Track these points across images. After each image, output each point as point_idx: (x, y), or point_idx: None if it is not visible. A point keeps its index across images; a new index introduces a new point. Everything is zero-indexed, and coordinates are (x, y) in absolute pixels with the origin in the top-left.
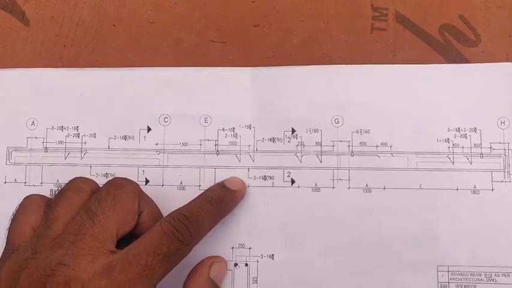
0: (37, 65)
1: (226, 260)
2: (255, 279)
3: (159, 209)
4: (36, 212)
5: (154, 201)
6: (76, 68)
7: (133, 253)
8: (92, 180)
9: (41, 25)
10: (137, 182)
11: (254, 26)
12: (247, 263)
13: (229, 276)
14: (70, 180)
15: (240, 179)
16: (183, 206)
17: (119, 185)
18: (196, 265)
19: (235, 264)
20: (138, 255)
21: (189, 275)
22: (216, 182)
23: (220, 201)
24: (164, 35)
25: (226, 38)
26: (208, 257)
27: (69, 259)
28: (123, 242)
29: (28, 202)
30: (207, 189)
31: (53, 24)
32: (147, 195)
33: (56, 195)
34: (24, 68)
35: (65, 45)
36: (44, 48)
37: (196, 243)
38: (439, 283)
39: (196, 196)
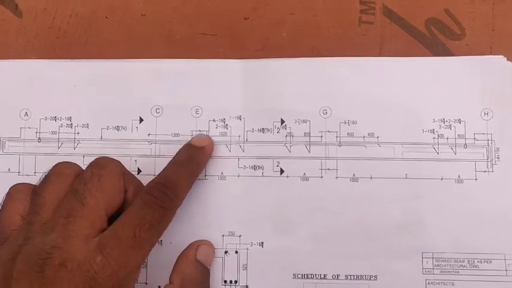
0: (30, 56)
1: (217, 247)
2: (245, 266)
3: (143, 185)
4: (23, 200)
5: None
6: (69, 59)
7: (121, 227)
8: (74, 163)
9: (34, 17)
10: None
11: (244, 18)
12: (238, 250)
13: (219, 264)
14: (53, 166)
15: (205, 135)
16: (158, 175)
17: (103, 165)
18: (184, 249)
19: (226, 252)
20: (125, 228)
21: (177, 258)
22: (206, 172)
23: (191, 161)
24: (156, 27)
25: (217, 31)
26: (194, 241)
27: (62, 241)
28: (114, 220)
29: (14, 191)
30: (177, 153)
31: (45, 16)
32: (130, 172)
33: (40, 182)
34: (17, 60)
35: (57, 37)
36: (37, 39)
37: (179, 206)
38: (424, 269)
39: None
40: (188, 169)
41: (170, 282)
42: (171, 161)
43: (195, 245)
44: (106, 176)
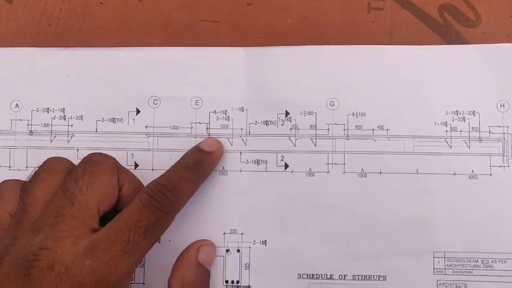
0: (21, 44)
1: (218, 246)
2: (247, 265)
3: (140, 182)
4: (12, 198)
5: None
6: (62, 48)
7: (115, 230)
8: (66, 159)
9: (25, 2)
10: (126, 167)
11: (247, 4)
12: (239, 248)
13: (220, 262)
14: (44, 162)
15: (215, 139)
16: (161, 176)
17: (95, 162)
18: (184, 250)
19: (227, 250)
20: (119, 231)
21: (176, 260)
22: None
23: (197, 166)
24: (154, 14)
25: (218, 17)
26: (195, 241)
27: (51, 242)
28: (108, 218)
29: (3, 188)
30: (184, 155)
31: (37, 1)
32: (126, 168)
33: (30, 178)
34: (7, 48)
35: (50, 24)
36: (28, 26)
37: (178, 211)
38: (435, 269)
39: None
40: (193, 174)
41: (169, 286)
42: (176, 163)
43: (196, 246)
44: (98, 173)
